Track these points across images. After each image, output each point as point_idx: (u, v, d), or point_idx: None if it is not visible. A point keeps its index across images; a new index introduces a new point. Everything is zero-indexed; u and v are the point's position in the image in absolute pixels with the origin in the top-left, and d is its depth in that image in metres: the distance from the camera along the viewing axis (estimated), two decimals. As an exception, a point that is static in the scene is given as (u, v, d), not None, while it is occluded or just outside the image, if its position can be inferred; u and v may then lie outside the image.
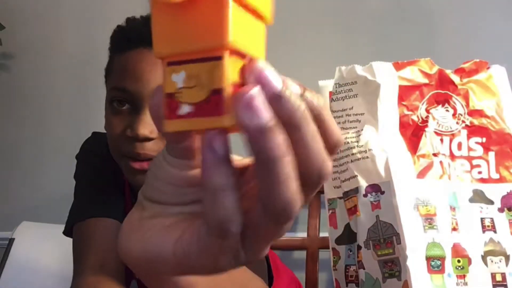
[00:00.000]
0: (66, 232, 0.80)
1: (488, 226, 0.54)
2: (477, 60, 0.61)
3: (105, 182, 0.85)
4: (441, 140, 0.57)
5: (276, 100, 0.21)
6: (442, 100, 0.59)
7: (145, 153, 0.72)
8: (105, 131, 0.79)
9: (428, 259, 0.50)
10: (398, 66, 0.59)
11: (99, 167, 0.85)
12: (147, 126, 0.71)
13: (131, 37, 0.74)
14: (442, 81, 0.59)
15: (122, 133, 0.73)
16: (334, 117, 0.60)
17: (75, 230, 0.76)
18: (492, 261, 0.52)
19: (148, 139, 0.71)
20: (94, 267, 0.69)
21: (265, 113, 0.21)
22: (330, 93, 0.61)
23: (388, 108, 0.57)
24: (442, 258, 0.50)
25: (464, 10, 1.37)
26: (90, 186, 0.86)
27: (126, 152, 0.73)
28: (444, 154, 0.57)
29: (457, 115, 0.59)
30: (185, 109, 0.23)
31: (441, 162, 0.56)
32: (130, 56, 0.73)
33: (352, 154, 0.56)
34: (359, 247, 0.54)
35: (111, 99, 0.74)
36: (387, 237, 0.52)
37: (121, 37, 0.76)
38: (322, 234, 1.21)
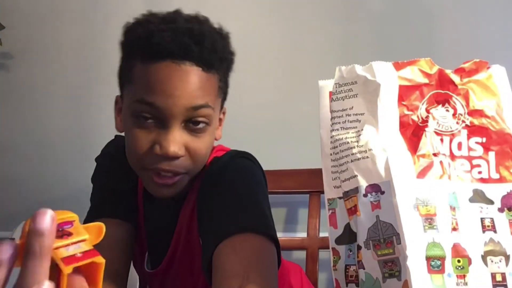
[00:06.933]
0: None
1: (488, 226, 0.54)
2: (477, 60, 0.61)
3: (117, 184, 0.86)
4: (441, 140, 0.57)
5: None
6: (442, 100, 0.59)
7: (173, 170, 0.72)
8: (122, 135, 0.79)
9: (428, 259, 0.50)
10: (398, 66, 0.59)
11: (113, 170, 0.86)
12: (177, 144, 0.71)
13: (159, 49, 0.70)
14: (442, 81, 0.59)
15: (149, 148, 0.72)
16: (334, 117, 0.60)
17: None
18: (492, 261, 0.52)
19: (178, 157, 0.71)
20: None
21: None
22: (330, 93, 0.61)
23: (388, 108, 0.57)
24: (442, 258, 0.50)
25: (464, 10, 1.37)
26: (102, 189, 0.87)
27: (153, 168, 0.72)
28: (444, 154, 0.57)
29: (457, 115, 0.59)
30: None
31: (441, 162, 0.56)
32: (158, 70, 0.70)
33: (352, 154, 0.56)
34: (359, 247, 0.54)
35: (136, 112, 0.72)
36: (387, 237, 0.52)
37: (147, 47, 0.72)
38: (322, 234, 1.21)
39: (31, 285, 0.34)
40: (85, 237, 0.39)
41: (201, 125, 0.73)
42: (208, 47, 0.72)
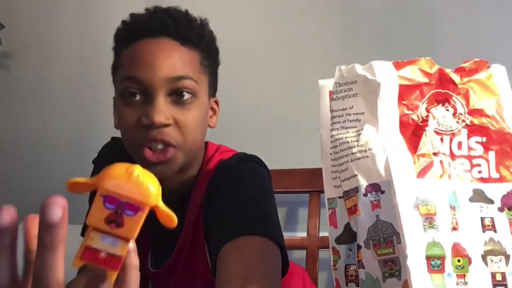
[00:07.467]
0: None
1: (488, 225, 0.54)
2: (477, 59, 0.61)
3: None
4: (441, 139, 0.57)
5: None
6: (442, 100, 0.59)
7: (163, 138, 0.72)
8: (119, 136, 0.79)
9: (428, 258, 0.50)
10: (398, 66, 0.59)
11: None
12: (162, 113, 0.71)
13: (136, 29, 0.75)
14: (442, 80, 0.59)
15: (137, 122, 0.73)
16: (334, 117, 0.60)
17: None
18: (492, 261, 0.52)
19: (165, 126, 0.72)
20: None
21: None
22: (330, 92, 0.61)
23: (388, 107, 0.57)
24: (442, 258, 0.50)
25: (464, 10, 1.37)
26: None
27: (143, 140, 0.73)
28: (444, 154, 0.57)
29: (457, 115, 0.59)
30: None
31: (441, 162, 0.56)
32: (137, 47, 0.74)
33: (352, 153, 0.56)
34: (359, 247, 0.54)
35: (122, 91, 0.74)
36: (387, 236, 0.52)
37: (126, 31, 0.77)
38: (322, 234, 1.21)
39: (47, 278, 0.32)
40: (132, 238, 0.32)
41: (186, 96, 0.73)
42: (184, 22, 0.76)
